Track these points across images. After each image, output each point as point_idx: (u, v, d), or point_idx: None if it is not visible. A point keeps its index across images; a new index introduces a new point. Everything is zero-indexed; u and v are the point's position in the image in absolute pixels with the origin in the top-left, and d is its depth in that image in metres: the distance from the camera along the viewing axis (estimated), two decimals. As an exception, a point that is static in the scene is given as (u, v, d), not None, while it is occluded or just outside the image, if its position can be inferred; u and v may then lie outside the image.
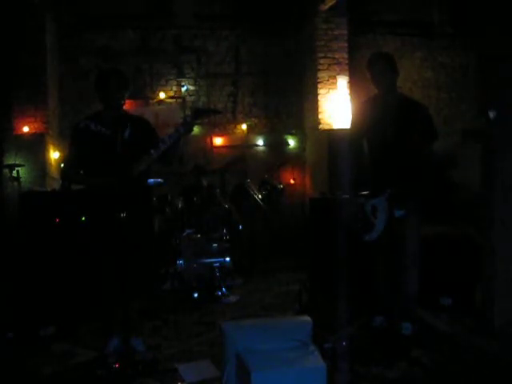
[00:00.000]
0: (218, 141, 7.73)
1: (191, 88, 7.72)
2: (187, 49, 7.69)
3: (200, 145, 7.56)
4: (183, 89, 7.67)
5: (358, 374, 3.12)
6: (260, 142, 7.84)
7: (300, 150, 7.92)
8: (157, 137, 3.54)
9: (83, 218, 3.47)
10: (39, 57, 6.75)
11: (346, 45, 7.32)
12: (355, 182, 3.87)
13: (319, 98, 7.29)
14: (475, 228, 4.35)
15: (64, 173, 3.89)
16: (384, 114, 3.68)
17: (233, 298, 5.11)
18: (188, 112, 7.22)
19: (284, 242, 7.02)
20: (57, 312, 4.24)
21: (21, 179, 6.01)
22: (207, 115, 3.65)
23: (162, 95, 7.58)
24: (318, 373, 2.54)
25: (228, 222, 5.77)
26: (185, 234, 5.37)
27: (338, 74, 7.29)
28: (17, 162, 6.22)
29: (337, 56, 7.30)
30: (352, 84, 7.28)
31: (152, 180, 4.44)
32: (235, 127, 7.82)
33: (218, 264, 5.25)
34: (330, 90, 7.30)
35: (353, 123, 4.00)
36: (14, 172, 6.01)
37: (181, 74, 7.69)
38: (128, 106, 4.14)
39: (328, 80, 7.30)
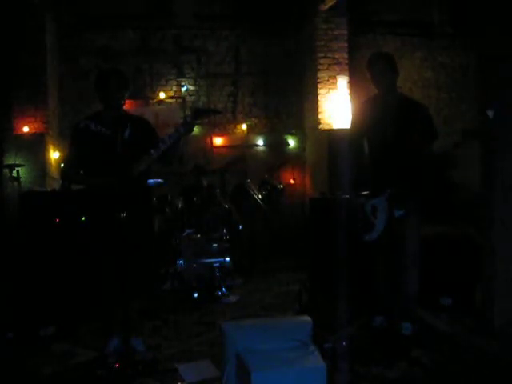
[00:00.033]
0: (218, 141, 7.73)
1: (191, 88, 7.72)
2: (187, 49, 7.69)
3: (200, 145, 7.56)
4: (183, 89, 7.67)
5: (358, 374, 3.12)
6: (260, 142, 7.85)
7: (300, 150, 7.92)
8: (157, 137, 3.54)
9: (83, 218, 3.47)
10: (39, 57, 6.75)
11: (345, 45, 7.33)
12: (355, 182, 3.87)
13: (319, 98, 7.29)
14: (475, 228, 4.35)
15: (64, 173, 3.89)
16: (384, 114, 3.68)
17: (233, 298, 5.11)
18: (188, 112, 7.23)
19: (284, 241, 7.02)
20: (57, 312, 4.24)
21: (21, 179, 6.01)
22: (207, 115, 3.65)
23: (162, 95, 7.59)
24: (318, 373, 2.54)
25: (228, 222, 5.77)
26: (185, 234, 5.37)
27: (338, 74, 7.30)
28: (17, 162, 6.22)
29: (337, 56, 7.30)
30: (352, 84, 7.29)
31: (152, 180, 4.44)
32: (235, 127, 7.82)
33: (218, 264, 5.25)
34: (330, 90, 7.31)
35: (353, 123, 4.00)
36: (14, 172, 6.01)
37: (181, 74, 7.69)
38: (128, 106, 4.15)
39: (328, 80, 7.30)
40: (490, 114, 3.45)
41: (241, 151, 7.63)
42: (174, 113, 7.52)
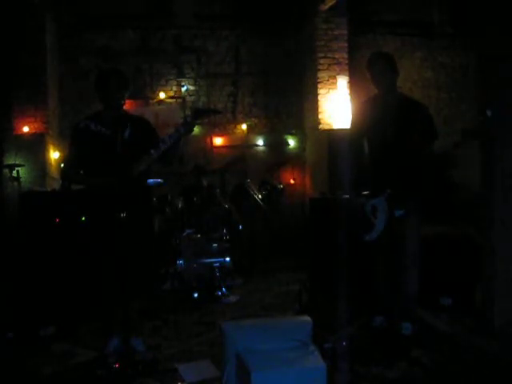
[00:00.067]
0: (218, 141, 7.73)
1: (191, 88, 7.72)
2: (187, 49, 7.69)
3: (200, 145, 7.56)
4: (183, 89, 7.67)
5: (358, 374, 3.12)
6: (260, 142, 7.84)
7: (300, 150, 7.92)
8: (157, 137, 3.54)
9: (83, 218, 3.47)
10: (39, 57, 6.75)
11: (346, 45, 7.33)
12: (355, 182, 3.87)
13: (319, 98, 7.29)
14: (475, 228, 4.35)
15: (64, 173, 3.89)
16: (384, 114, 3.68)
17: (233, 298, 5.11)
18: (188, 112, 7.23)
19: (284, 241, 7.02)
20: (57, 312, 4.24)
21: (21, 179, 6.01)
22: (207, 115, 3.65)
23: (162, 95, 7.59)
24: (318, 373, 2.54)
25: (228, 222, 5.77)
26: (185, 233, 5.37)
27: (338, 74, 7.30)
28: (17, 162, 6.22)
29: (337, 56, 7.30)
30: (352, 84, 7.29)
31: (152, 180, 4.44)
32: (235, 127, 7.82)
33: (218, 264, 5.25)
34: (330, 90, 7.31)
35: (353, 123, 4.00)
36: (14, 172, 6.01)
37: (181, 74, 7.69)
38: (128, 106, 4.14)
39: (328, 80, 7.30)
40: (489, 113, 3.45)
41: (241, 151, 7.63)
42: (173, 113, 7.52)
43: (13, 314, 4.17)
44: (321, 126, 7.27)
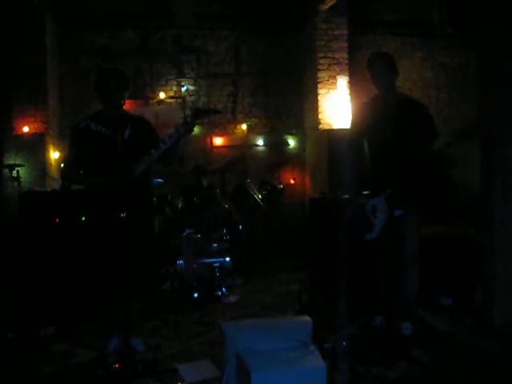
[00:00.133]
0: (218, 141, 7.73)
1: (191, 88, 7.72)
2: (187, 49, 7.69)
3: (200, 145, 7.57)
4: (183, 89, 7.67)
5: (358, 374, 3.12)
6: (260, 142, 7.84)
7: (300, 150, 7.92)
8: (157, 137, 3.54)
9: (83, 218, 3.47)
10: (39, 57, 6.75)
11: (345, 45, 7.33)
12: (356, 183, 3.86)
13: (319, 98, 7.29)
14: (475, 228, 4.35)
15: (64, 173, 3.89)
16: (384, 114, 3.68)
17: (233, 298, 5.11)
18: (188, 112, 7.23)
19: (284, 241, 7.02)
20: (57, 312, 4.24)
21: (21, 179, 6.01)
22: (207, 115, 3.65)
23: (162, 95, 7.59)
24: (318, 373, 2.54)
25: (228, 222, 5.77)
26: (185, 233, 5.37)
27: (338, 74, 7.30)
28: (17, 162, 6.22)
29: (337, 56, 7.30)
30: (352, 84, 7.28)
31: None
32: (235, 127, 7.82)
33: (218, 264, 5.25)
34: (330, 90, 7.31)
35: (353, 124, 4.00)
36: (14, 172, 6.01)
37: (181, 74, 7.69)
38: (128, 106, 4.15)
39: (328, 80, 7.30)
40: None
41: (241, 151, 7.63)
42: (173, 113, 7.52)
43: (13, 313, 4.17)
44: (321, 126, 7.27)
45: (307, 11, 7.43)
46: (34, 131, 6.74)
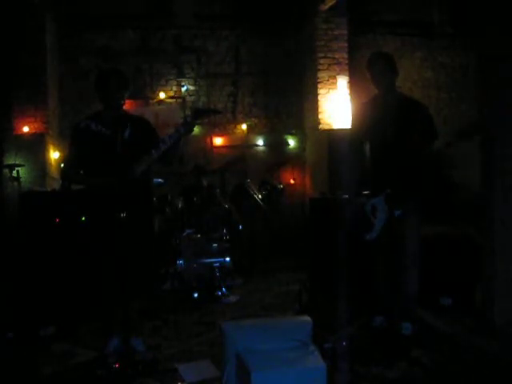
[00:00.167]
0: (218, 141, 7.73)
1: (191, 88, 7.72)
2: (187, 49, 7.69)
3: (200, 145, 7.57)
4: (183, 89, 7.67)
5: (358, 374, 3.12)
6: (260, 142, 7.84)
7: (300, 150, 7.91)
8: (157, 137, 3.54)
9: (83, 218, 3.47)
10: (39, 57, 6.75)
11: (345, 45, 7.33)
12: (357, 184, 3.86)
13: (319, 98, 7.29)
14: (475, 228, 4.35)
15: (64, 173, 3.89)
16: (384, 114, 3.68)
17: (233, 298, 5.11)
18: (188, 112, 7.24)
19: (284, 241, 7.02)
20: (57, 312, 4.24)
21: (21, 179, 6.01)
22: (207, 115, 3.65)
23: (162, 95, 7.59)
24: (318, 373, 2.54)
25: (228, 222, 5.77)
26: (185, 233, 5.37)
27: (338, 74, 7.29)
28: (17, 162, 6.22)
29: (337, 56, 7.30)
30: (352, 84, 7.28)
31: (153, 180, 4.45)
32: (235, 127, 7.82)
33: (218, 264, 5.25)
34: (330, 90, 7.30)
35: (353, 125, 4.01)
36: (14, 172, 6.01)
37: (181, 74, 7.69)
38: (128, 106, 4.15)
39: (328, 80, 7.30)
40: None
41: (241, 151, 7.63)
42: (174, 113, 7.52)
43: (13, 313, 4.17)
44: (321, 126, 7.27)
45: (307, 11, 7.43)
46: (34, 131, 6.74)
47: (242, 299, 5.12)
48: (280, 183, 6.81)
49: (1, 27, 6.49)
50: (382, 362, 3.27)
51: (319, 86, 7.29)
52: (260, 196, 6.15)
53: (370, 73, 3.77)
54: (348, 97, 7.29)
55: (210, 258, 5.26)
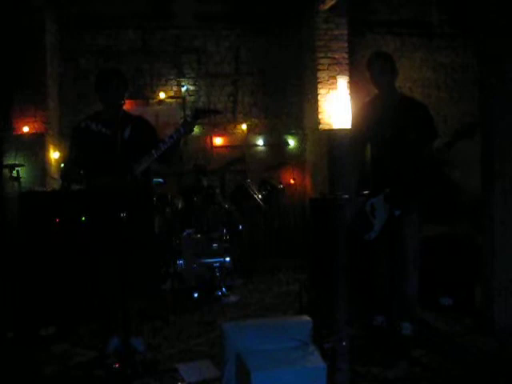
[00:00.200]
0: (218, 141, 7.73)
1: (191, 88, 7.72)
2: (187, 49, 7.69)
3: (200, 145, 7.57)
4: (183, 89, 7.67)
5: (358, 374, 3.12)
6: (260, 142, 7.84)
7: (300, 150, 7.91)
8: (157, 136, 3.54)
9: (83, 218, 3.47)
10: (39, 57, 6.75)
11: (345, 45, 7.32)
12: (357, 184, 3.86)
13: (319, 97, 7.29)
14: (475, 228, 4.35)
15: (64, 173, 3.89)
16: (384, 114, 3.68)
17: (233, 298, 5.11)
18: (188, 112, 7.24)
19: (284, 242, 7.02)
20: (57, 312, 4.24)
21: (21, 179, 6.01)
22: (208, 115, 3.65)
23: (162, 95, 7.58)
24: (318, 373, 2.54)
25: (228, 222, 5.77)
26: (185, 233, 5.36)
27: (338, 74, 7.29)
28: (17, 162, 6.21)
29: (337, 56, 7.29)
30: (352, 84, 7.28)
31: (154, 180, 4.44)
32: (235, 127, 7.82)
33: (218, 264, 5.25)
34: (330, 90, 7.30)
35: (353, 124, 4.01)
36: (14, 172, 6.00)
37: (181, 74, 7.69)
38: (128, 106, 4.15)
39: (328, 80, 7.30)
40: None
41: (241, 151, 7.63)
42: (174, 113, 7.52)
43: (13, 313, 4.17)
44: (321, 126, 7.26)
45: (307, 11, 7.43)
46: (34, 131, 6.73)
47: (241, 299, 5.13)
48: (280, 183, 6.81)
49: (1, 27, 6.48)
50: (382, 362, 3.27)
51: (319, 86, 7.28)
52: (260, 196, 6.15)
53: (369, 73, 3.77)
54: (348, 97, 7.29)
55: (210, 258, 5.26)
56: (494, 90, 3.83)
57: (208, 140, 7.67)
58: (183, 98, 7.66)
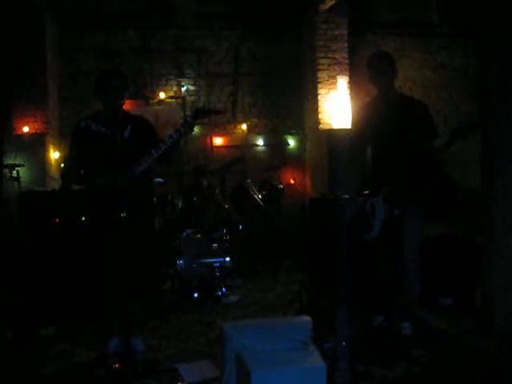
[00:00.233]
0: (218, 141, 7.73)
1: (191, 88, 7.72)
2: (187, 49, 7.69)
3: (200, 145, 7.57)
4: (183, 89, 7.68)
5: (358, 374, 3.12)
6: (260, 142, 7.85)
7: (300, 150, 7.91)
8: (157, 136, 3.54)
9: (83, 218, 3.47)
10: (39, 57, 6.75)
11: (345, 45, 7.32)
12: (357, 184, 3.86)
13: (319, 98, 7.29)
14: (475, 228, 4.35)
15: (64, 173, 3.89)
16: (384, 114, 3.68)
17: (233, 298, 5.11)
18: (188, 112, 7.24)
19: (284, 242, 7.01)
20: (57, 312, 4.24)
21: (21, 179, 6.01)
22: (208, 115, 3.65)
23: (162, 95, 7.59)
24: (318, 373, 2.53)
25: (228, 222, 5.77)
26: (185, 234, 5.36)
27: (338, 74, 7.29)
28: (17, 162, 6.22)
29: (337, 56, 7.30)
30: (352, 84, 7.28)
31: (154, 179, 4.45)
32: (235, 127, 7.82)
33: (217, 264, 5.25)
34: (330, 90, 7.30)
35: (354, 125, 4.01)
36: (14, 172, 6.00)
37: (181, 74, 7.69)
38: (128, 106, 4.15)
39: (328, 80, 7.30)
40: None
41: (241, 151, 7.63)
42: (173, 113, 7.52)
43: (13, 313, 4.17)
44: (321, 126, 7.27)
45: (307, 11, 7.43)
46: (34, 131, 6.74)
47: (241, 299, 5.13)
48: (280, 183, 6.81)
49: (1, 27, 6.48)
50: (382, 362, 3.27)
51: (319, 86, 7.29)
52: (260, 196, 6.15)
53: (369, 73, 3.77)
54: (348, 97, 7.29)
55: (210, 258, 5.26)
56: (494, 89, 3.83)
57: (208, 140, 7.67)
58: (183, 98, 7.66)
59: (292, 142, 7.91)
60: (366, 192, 3.74)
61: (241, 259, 6.09)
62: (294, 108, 7.91)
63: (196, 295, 5.04)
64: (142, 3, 7.38)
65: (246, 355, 2.58)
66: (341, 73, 7.30)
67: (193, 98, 7.71)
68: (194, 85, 7.72)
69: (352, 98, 7.24)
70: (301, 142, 7.90)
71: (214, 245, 5.33)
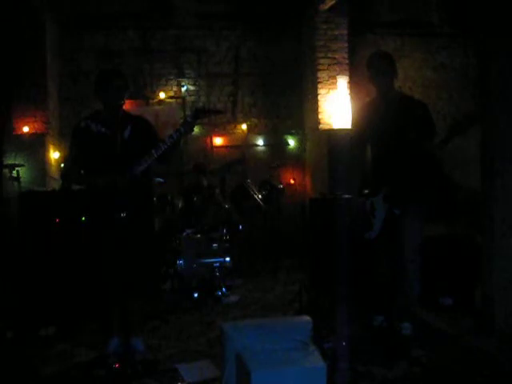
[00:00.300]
0: (218, 141, 7.74)
1: (191, 88, 7.72)
2: (187, 49, 7.69)
3: (200, 145, 7.57)
4: (183, 89, 7.68)
5: (358, 374, 3.12)
6: (260, 142, 7.85)
7: (300, 150, 7.91)
8: (157, 136, 3.54)
9: (83, 218, 3.47)
10: (39, 57, 6.76)
11: (346, 45, 7.33)
12: (357, 184, 3.86)
13: (319, 98, 7.29)
14: (475, 228, 4.35)
15: (64, 173, 3.89)
16: (384, 114, 3.68)
17: (233, 298, 5.11)
18: (188, 112, 7.24)
19: (284, 242, 7.01)
20: (57, 312, 4.24)
21: (21, 179, 6.01)
22: (208, 115, 3.65)
23: (162, 95, 7.59)
24: (318, 373, 2.53)
25: (228, 222, 5.77)
26: (185, 234, 5.36)
27: (338, 74, 7.29)
28: (17, 162, 6.22)
29: (337, 56, 7.30)
30: (352, 84, 7.28)
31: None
32: (235, 127, 7.82)
33: (217, 264, 5.25)
34: (330, 90, 7.30)
35: (354, 125, 4.01)
36: (14, 172, 6.01)
37: (181, 74, 7.69)
38: (128, 106, 4.15)
39: (328, 80, 7.30)
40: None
41: (241, 151, 7.63)
42: (173, 113, 7.53)
43: (13, 313, 4.17)
44: (321, 126, 7.27)
45: (307, 11, 7.43)
46: (34, 131, 6.74)
47: (242, 299, 5.13)
48: (280, 183, 6.81)
49: (1, 27, 6.48)
50: (382, 362, 3.26)
51: (319, 86, 7.29)
52: (260, 196, 6.15)
53: (369, 73, 3.77)
54: (348, 97, 7.29)
55: (210, 258, 5.26)
56: (493, 89, 3.83)
57: (208, 140, 7.68)
58: (183, 98, 7.67)
59: (292, 142, 7.91)
60: (366, 192, 3.74)
61: (241, 259, 6.09)
62: (294, 108, 7.92)
63: (196, 295, 5.04)
64: (142, 3, 7.38)
65: (246, 355, 2.58)
66: (341, 73, 7.30)
67: (193, 97, 7.71)
68: (194, 85, 7.73)
69: (352, 98, 7.24)
70: (301, 142, 7.90)
71: (214, 245, 5.33)
